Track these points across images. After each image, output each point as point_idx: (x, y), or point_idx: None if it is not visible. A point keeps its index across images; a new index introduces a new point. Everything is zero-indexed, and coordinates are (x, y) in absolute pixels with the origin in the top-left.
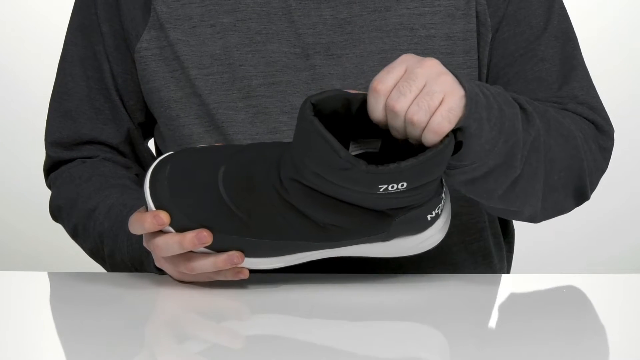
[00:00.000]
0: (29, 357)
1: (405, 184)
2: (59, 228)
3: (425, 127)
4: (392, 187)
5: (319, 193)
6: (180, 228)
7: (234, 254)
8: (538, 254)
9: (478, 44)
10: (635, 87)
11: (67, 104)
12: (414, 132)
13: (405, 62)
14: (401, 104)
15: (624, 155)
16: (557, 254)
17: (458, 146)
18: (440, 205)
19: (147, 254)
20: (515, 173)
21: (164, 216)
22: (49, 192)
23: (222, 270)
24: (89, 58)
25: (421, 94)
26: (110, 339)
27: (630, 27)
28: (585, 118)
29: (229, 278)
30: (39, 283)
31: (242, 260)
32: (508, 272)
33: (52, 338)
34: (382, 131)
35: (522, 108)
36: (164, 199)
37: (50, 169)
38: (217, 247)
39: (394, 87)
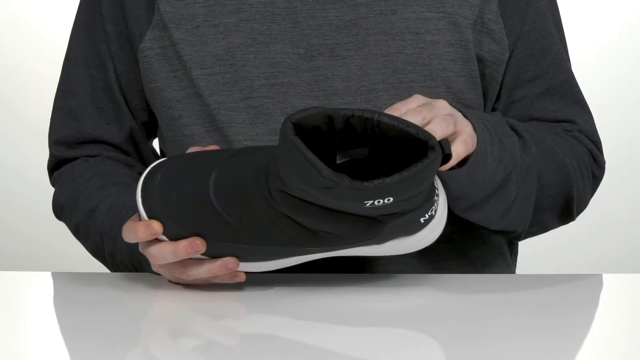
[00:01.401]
0: (30, 357)
1: (391, 199)
2: (59, 228)
3: (455, 138)
4: (379, 201)
5: (308, 203)
6: (173, 237)
7: (229, 260)
8: (538, 254)
9: (484, 58)
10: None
11: (71, 103)
12: (439, 127)
13: (417, 99)
14: (425, 112)
15: (624, 156)
16: (558, 255)
17: (446, 158)
18: (434, 207)
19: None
20: (510, 198)
21: (157, 226)
22: (49, 192)
23: (217, 274)
24: (93, 57)
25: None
26: (112, 339)
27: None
28: (584, 145)
29: (226, 281)
30: (41, 283)
31: (237, 266)
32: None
33: (54, 338)
34: (368, 142)
35: (519, 135)
36: (156, 208)
37: (54, 167)
38: (211, 254)
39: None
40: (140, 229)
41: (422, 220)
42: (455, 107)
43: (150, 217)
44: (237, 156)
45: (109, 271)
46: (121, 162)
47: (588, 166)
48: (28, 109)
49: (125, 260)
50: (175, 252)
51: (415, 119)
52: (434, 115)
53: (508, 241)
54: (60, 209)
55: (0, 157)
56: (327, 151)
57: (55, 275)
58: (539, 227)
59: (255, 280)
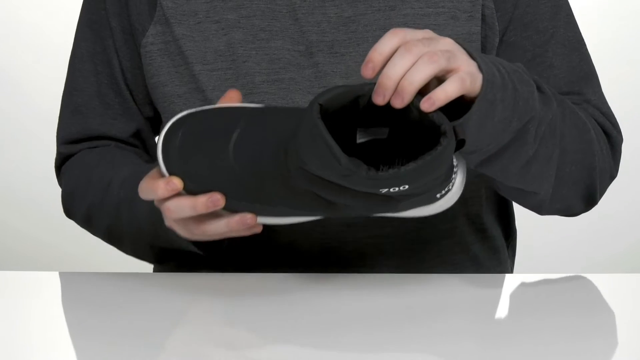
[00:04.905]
0: (35, 357)
1: (406, 186)
2: (60, 229)
3: (449, 76)
4: (394, 189)
5: (326, 180)
6: (191, 194)
7: (247, 216)
8: (538, 254)
9: (484, 47)
10: (636, 88)
11: (77, 100)
12: (418, 73)
13: (423, 34)
14: (419, 48)
15: (624, 155)
16: (557, 254)
17: (460, 143)
18: (451, 183)
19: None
20: (529, 150)
21: (178, 182)
22: (50, 193)
23: (235, 230)
24: (98, 53)
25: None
26: (116, 340)
27: (632, 30)
28: (596, 121)
29: (242, 234)
30: (49, 283)
31: (255, 222)
32: (511, 272)
33: (60, 338)
34: (389, 120)
35: (539, 89)
36: (176, 165)
37: (61, 165)
38: (229, 209)
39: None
40: (161, 186)
41: (437, 195)
42: (468, 50)
43: (170, 173)
44: (261, 117)
45: (115, 271)
46: (129, 150)
47: (605, 141)
48: (28, 109)
49: (143, 224)
50: (194, 206)
51: (404, 60)
52: (426, 52)
53: (506, 241)
54: (71, 197)
55: (7, 158)
56: (350, 129)
57: (62, 275)
58: (561, 202)
59: (261, 280)
